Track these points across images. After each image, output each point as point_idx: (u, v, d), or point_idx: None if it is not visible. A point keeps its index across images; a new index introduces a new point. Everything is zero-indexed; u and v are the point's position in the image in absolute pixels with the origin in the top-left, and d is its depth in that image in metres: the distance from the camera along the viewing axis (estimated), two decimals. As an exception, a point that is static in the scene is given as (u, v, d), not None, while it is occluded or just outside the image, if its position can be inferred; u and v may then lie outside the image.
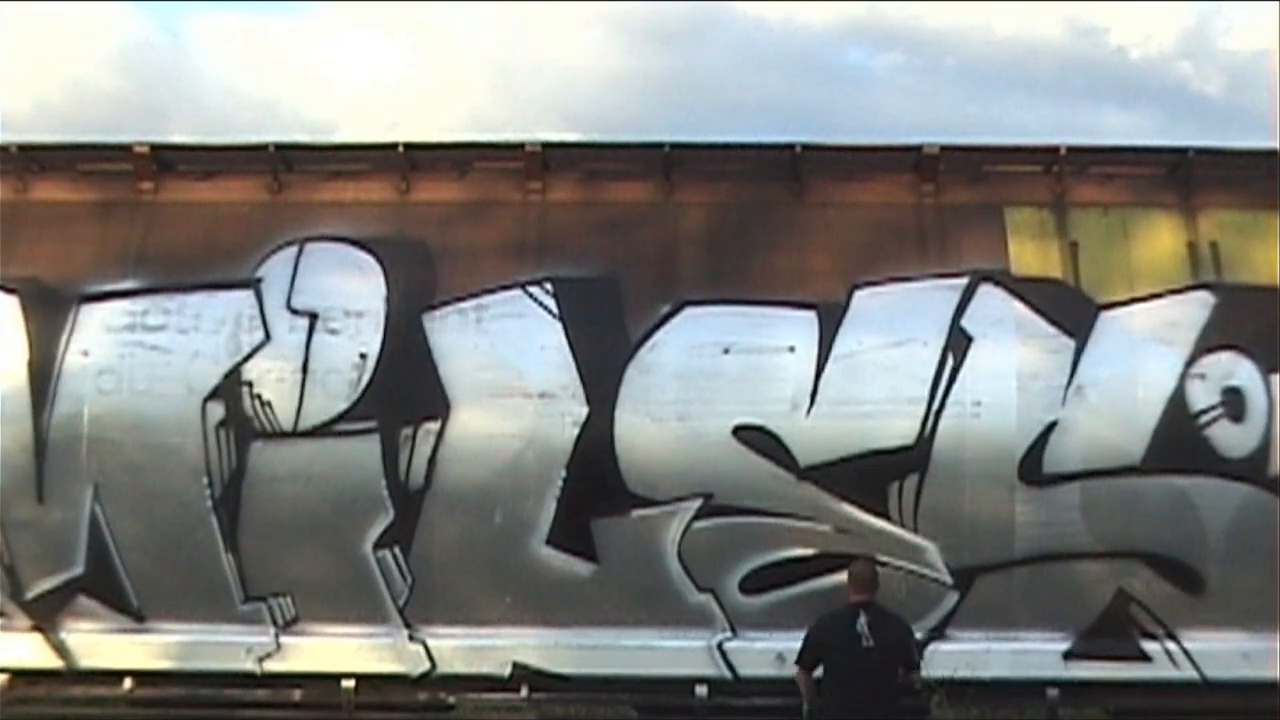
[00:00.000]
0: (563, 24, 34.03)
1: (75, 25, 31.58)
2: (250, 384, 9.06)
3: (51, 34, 30.57)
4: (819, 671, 8.28)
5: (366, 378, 9.04)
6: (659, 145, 9.51)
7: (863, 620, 8.21)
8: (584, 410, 8.99)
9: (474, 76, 34.05)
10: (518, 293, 9.19)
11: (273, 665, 9.13)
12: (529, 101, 31.75)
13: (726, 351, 9.06)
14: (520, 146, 9.52)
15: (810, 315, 9.09)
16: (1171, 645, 9.04)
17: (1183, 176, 9.46)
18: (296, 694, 9.20)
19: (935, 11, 33.17)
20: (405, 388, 9.03)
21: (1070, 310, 9.12)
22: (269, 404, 9.04)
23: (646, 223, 9.42)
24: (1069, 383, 9.00)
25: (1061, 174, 9.44)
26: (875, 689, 8.11)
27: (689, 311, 9.14)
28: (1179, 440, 8.96)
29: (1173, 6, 34.08)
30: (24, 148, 9.65)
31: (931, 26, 33.05)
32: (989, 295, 9.15)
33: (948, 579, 9.00)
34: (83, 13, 32.20)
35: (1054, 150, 9.43)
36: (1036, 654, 9.05)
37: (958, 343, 9.06)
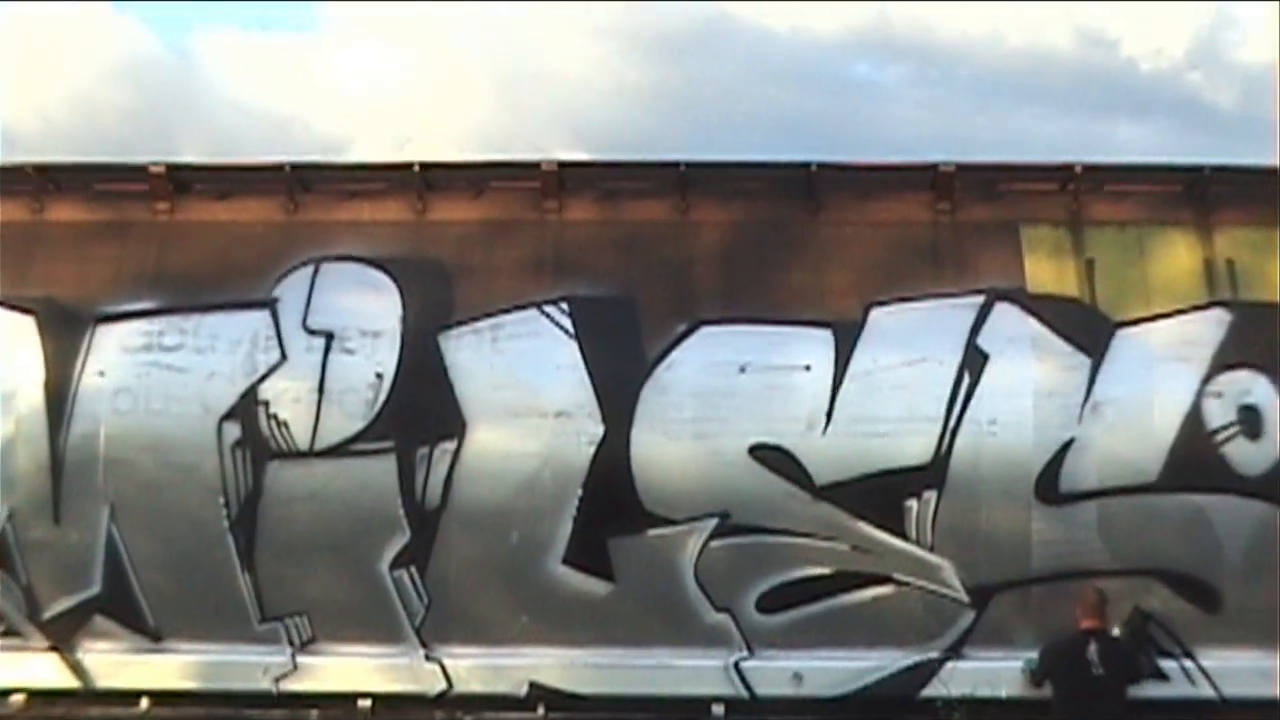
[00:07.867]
0: (567, 35, 34.00)
1: (78, 39, 31.60)
2: (266, 404, 9.06)
3: (54, 48, 30.58)
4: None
5: (383, 397, 9.04)
6: (674, 164, 9.52)
7: (1094, 648, 8.53)
8: (600, 429, 8.98)
9: (478, 89, 34.00)
10: (534, 312, 9.19)
11: (290, 685, 9.12)
12: (534, 114, 31.72)
13: (743, 370, 9.06)
14: (536, 165, 9.54)
15: (826, 334, 9.09)
16: (1189, 663, 9.02)
17: (1198, 194, 9.46)
18: (314, 714, 9.20)
19: (946, 23, 33.16)
20: (421, 407, 9.03)
21: (1086, 328, 9.11)
22: (285, 424, 9.04)
23: (662, 241, 9.43)
24: (1085, 400, 8.99)
25: (1077, 192, 9.45)
26: (1103, 713, 8.43)
27: (705, 330, 9.14)
28: (1195, 458, 8.94)
29: (1184, 18, 34.09)
30: (40, 168, 9.69)
31: (942, 38, 33.02)
32: (1005, 313, 9.14)
33: (964, 597, 8.98)
34: (85, 24, 32.19)
35: (1070, 168, 9.45)
36: (1054, 672, 9.03)
37: (974, 361, 9.05)
